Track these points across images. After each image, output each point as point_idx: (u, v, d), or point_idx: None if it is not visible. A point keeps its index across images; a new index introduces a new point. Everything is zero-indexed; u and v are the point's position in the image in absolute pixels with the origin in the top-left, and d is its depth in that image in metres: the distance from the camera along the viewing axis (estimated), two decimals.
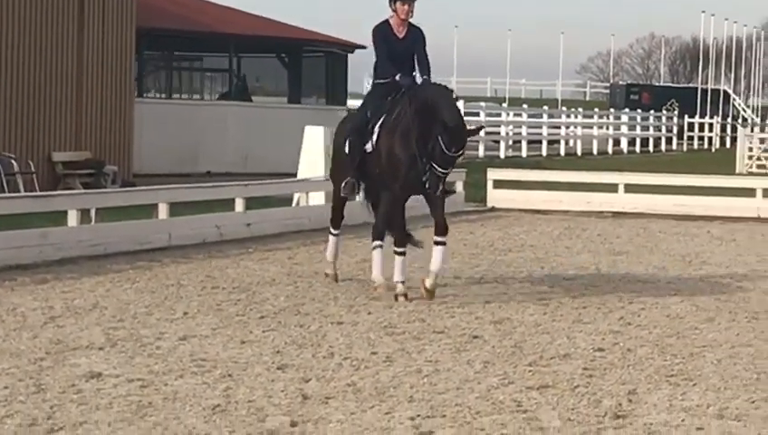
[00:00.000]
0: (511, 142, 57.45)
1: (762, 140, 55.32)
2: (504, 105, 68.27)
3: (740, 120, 76.04)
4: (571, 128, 62.65)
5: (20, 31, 30.94)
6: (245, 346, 11.99)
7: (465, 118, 14.18)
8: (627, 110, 73.40)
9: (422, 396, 10.02)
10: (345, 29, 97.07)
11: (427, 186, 13.67)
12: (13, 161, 29.77)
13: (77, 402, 9.53)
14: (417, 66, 14.45)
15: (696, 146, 73.17)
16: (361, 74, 77.57)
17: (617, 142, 65.79)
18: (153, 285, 15.86)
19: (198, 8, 42.95)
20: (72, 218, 18.81)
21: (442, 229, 14.17)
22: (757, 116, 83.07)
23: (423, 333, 12.90)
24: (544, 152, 57.37)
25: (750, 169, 49.62)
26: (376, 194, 15.09)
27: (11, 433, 8.63)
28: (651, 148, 68.36)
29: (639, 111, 73.65)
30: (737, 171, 48.21)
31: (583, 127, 63.92)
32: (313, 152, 25.22)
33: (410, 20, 14.36)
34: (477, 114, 57.19)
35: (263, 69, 45.63)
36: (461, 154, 13.84)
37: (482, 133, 54.55)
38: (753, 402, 10.08)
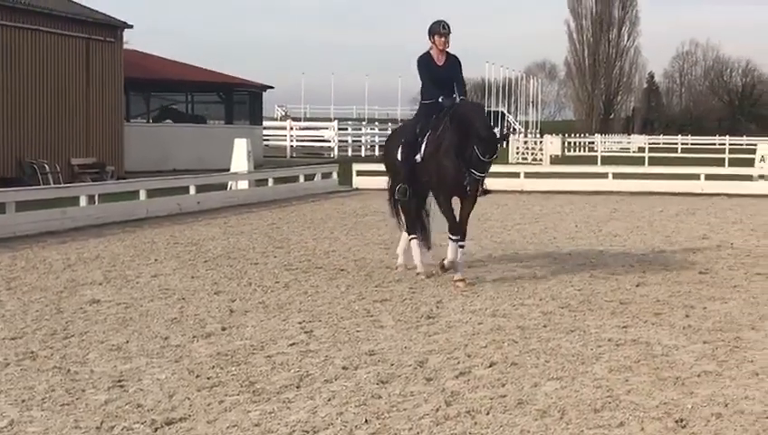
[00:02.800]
0: (369, 146, 57.31)
1: (525, 142, 56.01)
2: (364, 123, 68.07)
3: (512, 130, 76.57)
4: None
5: (45, 78, 30.49)
6: (194, 280, 11.84)
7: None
8: None
9: (307, 308, 10.00)
10: (261, 74, 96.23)
11: (467, 189, 11.13)
12: (45, 165, 29.38)
13: (83, 319, 9.40)
14: (455, 88, 11.81)
15: None
16: (271, 104, 77.40)
17: None
18: (135, 242, 15.58)
19: (164, 64, 42.44)
20: (83, 201, 18.53)
21: (462, 234, 11.60)
22: (522, 127, 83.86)
23: (309, 268, 12.82)
24: None
25: (517, 161, 50.15)
26: (420, 196, 12.29)
27: (39, 340, 8.47)
28: None
29: (391, 132, 73.58)
30: (509, 162, 48.59)
31: None
32: (240, 155, 24.99)
33: (447, 49, 11.86)
34: (346, 129, 57.00)
35: (208, 103, 45.12)
36: (494, 158, 11.14)
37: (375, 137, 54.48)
38: (514, 306, 10.20)
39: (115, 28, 34.30)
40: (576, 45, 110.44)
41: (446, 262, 11.53)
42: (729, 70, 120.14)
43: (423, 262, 12.17)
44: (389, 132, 13.24)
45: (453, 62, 11.93)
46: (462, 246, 11.47)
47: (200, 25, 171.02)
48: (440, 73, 11.83)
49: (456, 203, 11.71)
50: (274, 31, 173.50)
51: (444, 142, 11.31)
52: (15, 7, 29.35)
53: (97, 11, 33.98)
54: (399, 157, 12.02)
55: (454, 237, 11.45)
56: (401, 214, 12.48)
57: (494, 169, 30.34)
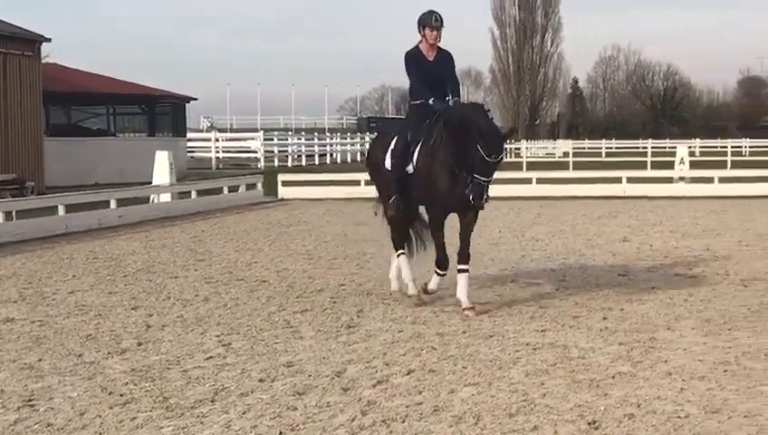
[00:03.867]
0: (296, 156, 57.20)
1: None
2: (290, 133, 67.96)
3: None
4: (334, 146, 62.67)
5: None
6: (112, 295, 11.68)
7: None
8: (368, 133, 73.68)
9: (226, 321, 9.93)
10: (187, 86, 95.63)
11: (470, 198, 9.62)
12: None
13: None
14: (447, 88, 10.50)
15: None
16: (196, 115, 76.96)
17: (363, 154, 65.83)
18: (54, 259, 15.32)
19: (85, 77, 41.96)
20: (0, 217, 18.15)
21: (465, 257, 10.20)
22: None
23: (230, 281, 12.74)
24: (317, 162, 57.35)
25: None
26: (413, 210, 11.13)
27: None
28: None
29: (377, 133, 73.63)
30: None
31: (341, 145, 64.05)
32: (161, 168, 24.80)
33: (438, 44, 10.55)
34: (272, 139, 56.81)
35: (130, 115, 44.71)
36: (500, 160, 9.70)
37: (281, 149, 54.29)
38: (435, 313, 10.21)
39: (33, 42, 33.80)
40: (501, 53, 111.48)
41: (429, 287, 10.57)
42: (651, 74, 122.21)
43: (414, 280, 10.92)
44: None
45: (445, 59, 10.62)
46: (466, 271, 10.22)
47: (124, 38, 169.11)
48: (431, 71, 10.50)
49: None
50: (200, 42, 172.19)
51: (439, 152, 10.05)
52: None
53: (14, 25, 33.45)
54: (389, 165, 10.70)
55: (440, 272, 10.37)
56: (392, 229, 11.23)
57: None
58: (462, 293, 10.11)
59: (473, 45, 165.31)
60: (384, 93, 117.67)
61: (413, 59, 10.52)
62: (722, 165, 43.94)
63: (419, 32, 10.51)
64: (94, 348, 8.68)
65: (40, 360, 8.26)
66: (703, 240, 16.71)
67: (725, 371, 7.60)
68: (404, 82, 11.25)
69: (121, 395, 7.05)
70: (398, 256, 11.05)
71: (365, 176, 29.79)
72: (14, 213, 18.92)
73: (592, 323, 9.56)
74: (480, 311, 10.05)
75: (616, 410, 6.52)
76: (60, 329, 9.59)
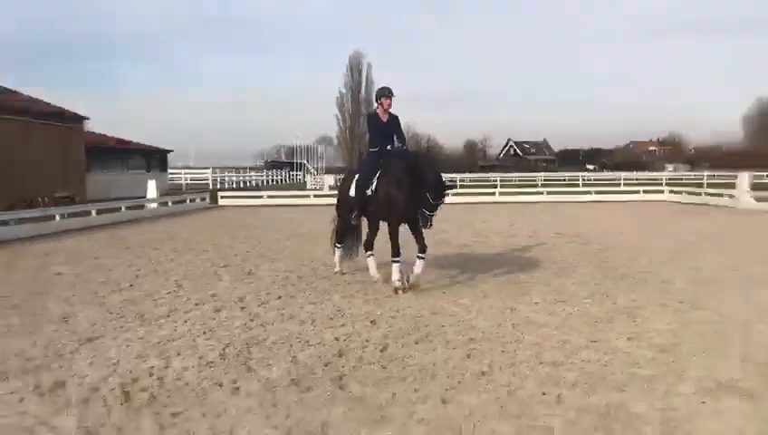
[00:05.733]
0: None
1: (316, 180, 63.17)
2: None
3: (309, 172, 77.95)
4: None
5: None
6: None
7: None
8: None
9: None
10: None
11: (420, 223, 12.60)
12: None
13: None
14: (395, 139, 13.76)
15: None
16: None
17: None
18: None
19: None
20: None
21: (423, 249, 13.06)
22: (317, 172, 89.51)
23: None
24: None
25: (312, 189, 53.44)
26: (369, 222, 13.90)
27: None
28: None
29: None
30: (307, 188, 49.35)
31: None
32: None
33: (389, 110, 13.68)
34: None
35: None
36: (443, 201, 12.60)
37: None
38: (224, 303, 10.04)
39: None
40: (342, 129, 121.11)
41: (394, 281, 12.81)
42: None
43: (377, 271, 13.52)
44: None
45: (394, 120, 13.85)
46: (423, 258, 12.88)
47: None
48: (385, 128, 13.64)
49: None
50: None
51: (394, 179, 12.89)
52: None
53: None
54: (353, 193, 13.70)
55: (396, 259, 12.91)
56: (351, 237, 14.33)
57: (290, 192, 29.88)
58: (417, 269, 12.82)
59: (327, 122, 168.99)
60: None
61: (372, 120, 13.80)
62: None
63: (377, 101, 13.65)
64: None
65: None
66: None
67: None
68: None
69: None
70: (369, 256, 13.73)
71: None
72: None
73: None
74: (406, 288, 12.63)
75: None
76: None
